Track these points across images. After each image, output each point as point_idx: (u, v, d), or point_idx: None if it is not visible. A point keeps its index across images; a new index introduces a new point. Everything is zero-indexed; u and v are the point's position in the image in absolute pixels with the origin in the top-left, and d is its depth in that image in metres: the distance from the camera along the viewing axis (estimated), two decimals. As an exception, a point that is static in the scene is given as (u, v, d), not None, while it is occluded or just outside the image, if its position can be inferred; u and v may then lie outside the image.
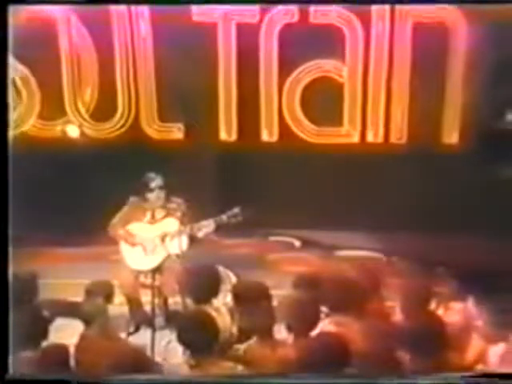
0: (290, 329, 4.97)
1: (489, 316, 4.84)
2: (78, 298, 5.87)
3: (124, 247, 7.14)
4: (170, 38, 8.53)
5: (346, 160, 8.69)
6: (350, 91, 8.85)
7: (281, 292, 5.57)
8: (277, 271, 8.09)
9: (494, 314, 4.84)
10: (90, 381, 4.52)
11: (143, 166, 7.33)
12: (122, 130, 9.04)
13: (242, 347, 5.06)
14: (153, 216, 7.15)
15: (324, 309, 5.11)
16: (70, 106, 8.96)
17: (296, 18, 8.57)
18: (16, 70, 8.68)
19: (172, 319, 6.70)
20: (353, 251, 8.78)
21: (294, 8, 8.51)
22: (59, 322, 5.63)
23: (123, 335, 6.64)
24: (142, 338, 6.63)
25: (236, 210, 6.99)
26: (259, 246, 9.16)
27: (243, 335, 5.19)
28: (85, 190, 8.67)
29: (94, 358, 4.98)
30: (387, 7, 8.42)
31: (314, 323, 4.94)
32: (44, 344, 5.01)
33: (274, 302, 5.41)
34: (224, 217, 6.97)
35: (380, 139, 8.94)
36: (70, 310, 5.82)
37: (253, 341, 5.06)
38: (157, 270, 7.07)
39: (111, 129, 9.05)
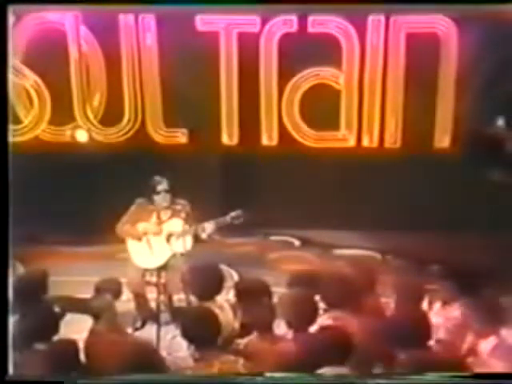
0: (289, 324, 5.05)
1: (481, 312, 4.92)
2: (88, 295, 5.93)
3: (131, 246, 7.22)
4: (174, 47, 8.59)
5: (343, 163, 8.73)
6: (346, 98, 8.83)
7: (281, 289, 5.60)
8: (277, 269, 8.12)
9: (485, 311, 4.93)
10: (91, 381, 4.62)
11: (149, 169, 7.43)
12: (129, 134, 9.05)
13: (243, 342, 5.15)
14: (158, 217, 7.23)
15: (322, 305, 5.22)
16: (78, 111, 8.97)
17: (295, 28, 8.56)
18: (27, 78, 8.81)
19: (177, 315, 6.77)
20: (350, 250, 8.87)
21: (293, 18, 8.52)
22: (70, 317, 5.65)
23: (130, 330, 6.73)
24: (148, 333, 6.75)
25: (238, 211, 7.04)
26: (260, 245, 9.21)
27: (245, 330, 5.30)
28: (93, 191, 8.71)
29: (102, 351, 5.09)
30: (382, 18, 8.45)
31: (312, 319, 5.04)
32: (55, 338, 5.08)
33: (275, 299, 5.51)
34: (227, 218, 7.03)
35: (375, 143, 8.94)
36: (79, 306, 5.83)
37: (254, 336, 5.15)
38: (162, 269, 7.13)
39: (118, 133, 9.05)
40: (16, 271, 7.07)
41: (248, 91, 8.90)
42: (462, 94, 8.65)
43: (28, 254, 7.89)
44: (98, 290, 5.91)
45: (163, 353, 5.64)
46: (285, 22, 8.64)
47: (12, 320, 5.00)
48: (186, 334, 4.92)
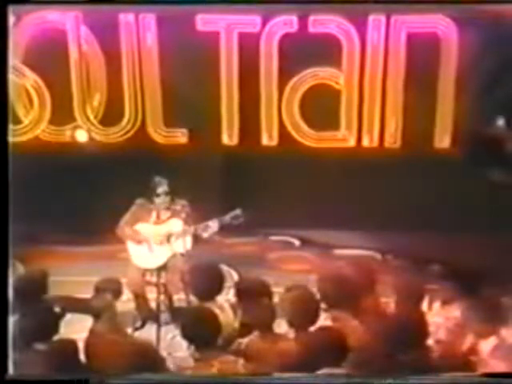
0: (289, 324, 5.06)
1: (481, 312, 4.93)
2: (88, 295, 5.93)
3: (131, 246, 7.24)
4: (174, 47, 8.58)
5: (343, 163, 8.71)
6: (346, 98, 8.82)
7: (281, 289, 5.60)
8: (277, 269, 8.20)
9: (485, 311, 4.94)
10: (93, 381, 4.59)
11: (149, 169, 7.42)
12: (129, 134, 9.04)
13: (244, 341, 5.15)
14: (158, 217, 7.26)
15: (322, 305, 5.22)
16: (78, 111, 8.96)
17: (295, 28, 8.56)
18: (27, 77, 8.81)
19: (177, 315, 6.80)
20: (350, 250, 8.87)
21: (293, 18, 8.51)
22: (70, 317, 5.64)
23: (130, 330, 6.72)
24: (148, 333, 6.78)
25: (238, 211, 7.07)
26: (260, 245, 9.21)
27: (245, 330, 5.27)
28: (93, 191, 8.69)
29: (102, 351, 5.11)
30: (383, 17, 8.45)
31: (313, 319, 5.05)
32: (55, 338, 5.09)
33: (275, 299, 5.54)
34: (227, 218, 7.06)
35: (375, 143, 8.95)
36: (79, 306, 5.85)
37: (254, 335, 5.15)
38: (162, 269, 7.15)
39: (118, 133, 9.04)
40: (16, 271, 7.05)
41: (248, 91, 8.90)
42: (462, 94, 8.66)
43: (28, 253, 7.90)
44: (98, 289, 5.92)
45: (163, 353, 5.61)
46: (285, 22, 8.63)
47: (12, 320, 5.02)
48: (186, 334, 4.92)
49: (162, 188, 7.18)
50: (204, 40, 8.59)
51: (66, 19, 8.69)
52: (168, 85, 8.89)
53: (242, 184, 9.00)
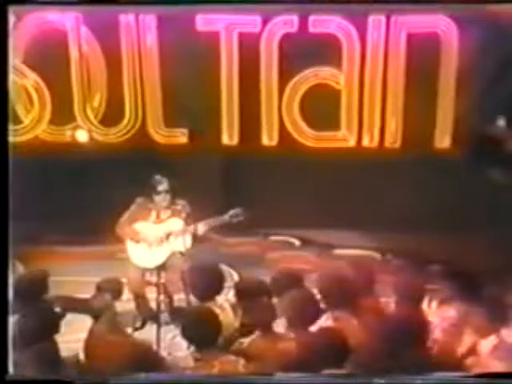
0: (290, 324, 5.08)
1: (481, 312, 4.95)
2: (88, 295, 5.95)
3: (131, 246, 7.26)
4: (175, 47, 8.58)
5: (343, 163, 8.65)
6: (346, 98, 8.80)
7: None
8: (277, 269, 8.28)
9: (485, 310, 4.96)
10: (91, 381, 4.63)
11: (149, 169, 7.45)
12: (129, 134, 9.03)
13: (244, 341, 5.19)
14: (158, 216, 7.29)
15: (322, 305, 5.23)
16: (79, 111, 8.95)
17: (295, 28, 8.55)
18: (28, 77, 8.80)
19: (177, 315, 6.79)
20: (350, 250, 8.88)
21: (293, 18, 8.50)
22: (70, 317, 5.67)
23: (130, 330, 6.73)
24: (148, 333, 6.78)
25: (237, 209, 7.11)
26: (260, 245, 9.21)
27: (245, 330, 5.32)
28: (93, 191, 8.68)
29: (102, 351, 5.17)
30: (383, 17, 8.44)
31: (313, 319, 5.08)
32: (55, 338, 5.10)
33: (275, 299, 5.50)
34: (226, 216, 7.09)
35: (375, 143, 8.94)
36: (79, 306, 5.89)
37: (254, 336, 5.18)
38: (162, 268, 7.17)
39: (119, 134, 9.03)
40: (16, 271, 7.09)
41: (248, 91, 8.90)
42: (462, 94, 8.64)
43: (28, 253, 7.93)
44: (99, 289, 5.95)
45: (163, 353, 5.66)
46: (285, 22, 8.62)
47: (12, 320, 5.01)
48: (186, 334, 4.94)
49: (163, 186, 7.20)
50: (204, 40, 8.59)
51: (67, 19, 8.69)
52: (168, 85, 8.89)
53: (241, 184, 9.03)
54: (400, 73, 8.70)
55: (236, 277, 7.86)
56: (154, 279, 7.19)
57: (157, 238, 7.23)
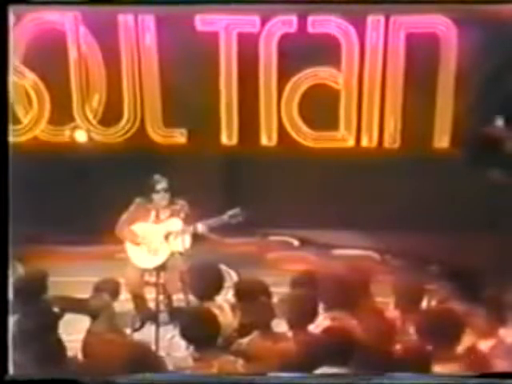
0: (289, 324, 5.09)
1: (481, 312, 4.99)
2: (87, 295, 5.98)
3: (130, 246, 7.27)
4: (174, 47, 8.58)
5: (342, 163, 8.68)
6: (345, 98, 8.80)
7: (280, 289, 5.65)
8: (276, 269, 8.15)
9: (485, 311, 5.00)
10: (92, 381, 4.57)
11: (148, 169, 7.48)
12: (128, 134, 9.03)
13: (243, 342, 5.17)
14: (157, 216, 7.28)
15: (321, 305, 5.23)
16: (78, 112, 8.95)
17: (294, 28, 8.55)
18: (27, 78, 8.81)
19: (176, 315, 6.79)
20: (349, 250, 8.90)
21: (292, 18, 8.51)
22: (69, 317, 5.70)
23: (129, 330, 6.77)
24: (147, 333, 6.80)
25: (236, 209, 7.12)
26: (259, 245, 9.21)
27: (244, 330, 5.31)
28: (93, 191, 8.71)
29: (100, 351, 5.11)
30: (382, 18, 8.44)
31: (311, 319, 5.10)
32: (53, 338, 5.06)
33: (274, 299, 5.54)
34: (225, 216, 7.10)
35: (374, 143, 8.94)
36: (78, 306, 5.89)
37: (253, 336, 5.17)
38: (161, 268, 7.18)
39: (118, 134, 9.03)
40: (16, 271, 7.09)
41: (247, 91, 8.90)
42: (461, 94, 8.66)
43: (28, 253, 7.94)
44: (97, 290, 5.97)
45: (162, 353, 5.61)
46: (284, 22, 8.62)
47: (12, 320, 5.01)
48: (185, 334, 4.94)
49: (161, 185, 7.21)
50: (203, 40, 8.59)
51: (66, 19, 8.69)
52: (167, 85, 8.89)
53: (240, 184, 9.05)
54: (399, 73, 8.70)
55: (235, 277, 7.86)
56: (153, 279, 7.18)
57: (156, 238, 7.24)
